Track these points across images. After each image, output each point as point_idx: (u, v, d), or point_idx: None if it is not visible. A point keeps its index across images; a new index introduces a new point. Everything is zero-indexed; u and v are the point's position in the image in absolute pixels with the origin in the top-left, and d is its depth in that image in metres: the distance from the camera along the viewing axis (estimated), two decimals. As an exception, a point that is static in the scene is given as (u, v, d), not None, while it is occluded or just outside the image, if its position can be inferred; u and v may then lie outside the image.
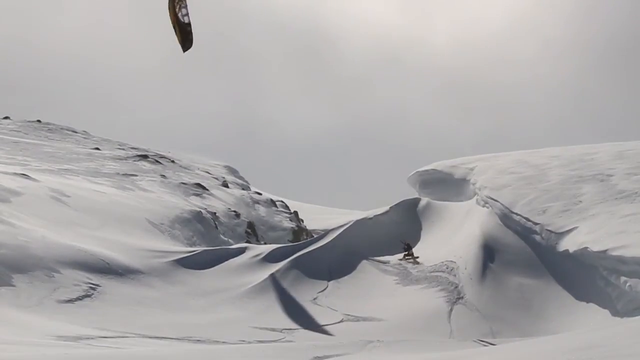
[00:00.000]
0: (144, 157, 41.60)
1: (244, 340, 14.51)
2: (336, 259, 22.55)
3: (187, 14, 11.12)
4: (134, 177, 32.79)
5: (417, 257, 23.21)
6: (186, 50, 11.16)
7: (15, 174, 25.16)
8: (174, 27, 11.09)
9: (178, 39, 11.13)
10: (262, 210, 35.58)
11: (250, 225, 31.76)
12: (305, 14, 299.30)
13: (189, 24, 11.16)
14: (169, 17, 11.09)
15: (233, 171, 49.66)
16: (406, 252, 23.74)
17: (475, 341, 13.58)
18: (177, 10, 11.01)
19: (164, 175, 35.24)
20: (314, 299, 19.78)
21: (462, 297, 19.08)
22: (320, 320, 17.67)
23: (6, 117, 53.76)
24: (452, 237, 24.56)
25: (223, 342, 13.91)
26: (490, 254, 21.05)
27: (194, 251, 21.73)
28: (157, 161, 41.11)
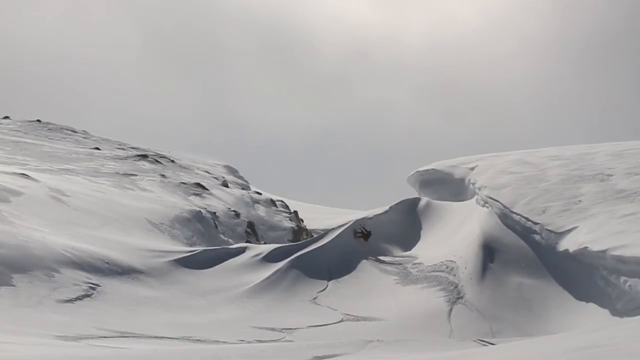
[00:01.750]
0: (144, 156, 41.60)
1: (243, 340, 14.51)
2: (336, 259, 22.55)
3: None
4: (134, 177, 32.79)
5: (368, 235, 24.21)
6: None
7: (15, 173, 25.16)
8: None
9: None
10: (262, 210, 35.58)
11: (250, 225, 31.76)
12: (279, 11, 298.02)
13: None
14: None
15: (233, 171, 49.64)
16: (362, 233, 24.38)
17: (475, 341, 13.57)
18: None
19: (163, 175, 35.25)
20: (314, 298, 19.78)
21: (462, 297, 19.09)
22: (320, 320, 17.66)
23: (6, 117, 53.76)
24: (452, 237, 24.55)
25: (223, 342, 13.91)
26: (490, 253, 21.05)
27: (194, 251, 21.72)
28: (157, 161, 41.12)
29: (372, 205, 35.37)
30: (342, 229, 25.11)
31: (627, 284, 15.43)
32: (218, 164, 49.31)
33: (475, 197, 27.27)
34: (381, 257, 23.64)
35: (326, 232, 26.27)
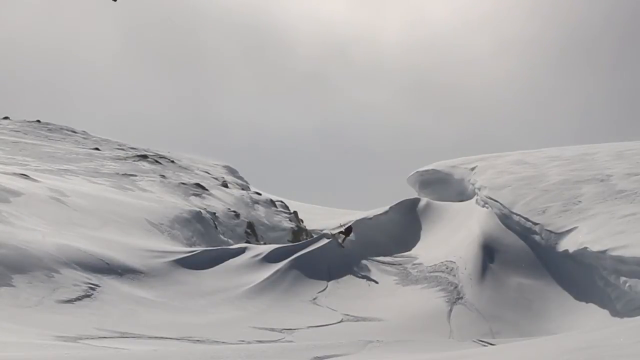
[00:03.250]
0: (144, 157, 41.59)
1: (243, 340, 14.50)
2: (336, 259, 22.56)
3: None
4: (134, 177, 32.78)
5: (345, 236, 24.07)
6: None
7: (15, 174, 25.16)
8: None
9: None
10: (261, 210, 35.55)
11: (250, 225, 31.74)
12: (258, 11, 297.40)
13: None
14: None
15: (232, 171, 49.62)
16: (344, 231, 24.37)
17: (475, 341, 13.57)
18: None
19: (163, 175, 35.23)
20: (314, 299, 19.77)
21: (461, 297, 19.09)
22: (320, 320, 17.66)
23: (6, 117, 53.75)
24: (452, 237, 24.57)
25: (223, 342, 13.90)
26: (490, 254, 21.06)
27: (194, 251, 21.72)
28: (157, 161, 41.10)
29: (372, 206, 35.37)
30: (342, 229, 25.12)
31: (627, 284, 15.43)
32: (218, 164, 49.29)
33: (475, 197, 27.29)
34: (381, 258, 23.65)
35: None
